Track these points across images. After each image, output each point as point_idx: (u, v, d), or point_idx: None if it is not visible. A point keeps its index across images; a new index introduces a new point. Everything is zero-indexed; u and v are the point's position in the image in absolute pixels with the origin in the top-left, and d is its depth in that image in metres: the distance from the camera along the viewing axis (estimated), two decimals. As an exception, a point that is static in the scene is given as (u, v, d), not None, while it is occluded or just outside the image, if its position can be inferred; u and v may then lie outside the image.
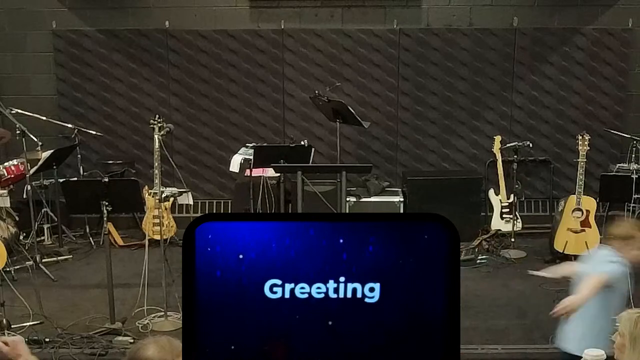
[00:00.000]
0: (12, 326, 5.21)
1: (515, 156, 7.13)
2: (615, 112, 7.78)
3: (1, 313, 5.17)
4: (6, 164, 6.81)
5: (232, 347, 1.18)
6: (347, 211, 6.54)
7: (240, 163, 6.78)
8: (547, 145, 7.84)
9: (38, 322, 5.35)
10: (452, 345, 1.17)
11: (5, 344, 2.64)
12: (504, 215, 7.33)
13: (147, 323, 5.37)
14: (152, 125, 5.42)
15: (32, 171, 6.63)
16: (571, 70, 7.72)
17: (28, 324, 5.30)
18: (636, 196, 6.44)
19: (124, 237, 7.41)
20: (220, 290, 1.16)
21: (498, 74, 7.76)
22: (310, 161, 6.56)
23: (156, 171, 5.44)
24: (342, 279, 1.16)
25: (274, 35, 7.73)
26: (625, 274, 3.88)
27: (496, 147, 7.35)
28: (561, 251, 6.63)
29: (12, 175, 6.80)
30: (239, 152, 6.98)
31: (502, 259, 6.87)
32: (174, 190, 5.92)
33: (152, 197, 6.22)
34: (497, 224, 7.33)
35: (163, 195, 5.56)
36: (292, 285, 1.16)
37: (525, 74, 7.76)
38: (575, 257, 6.61)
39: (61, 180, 6.20)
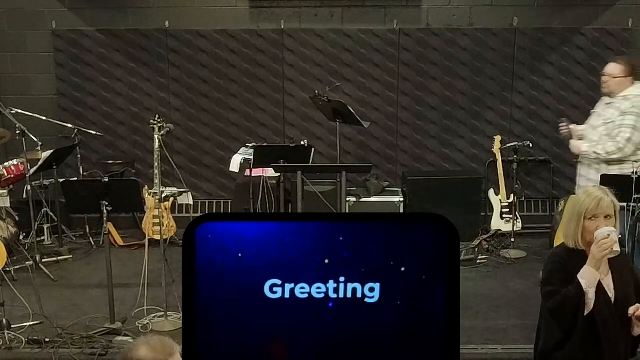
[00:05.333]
0: (12, 326, 5.21)
1: (515, 156, 7.13)
2: (615, 112, 7.77)
3: (1, 313, 5.17)
4: (6, 164, 6.81)
5: (232, 347, 1.19)
6: (347, 211, 6.54)
7: (240, 163, 6.78)
8: (547, 145, 7.84)
9: (38, 322, 5.35)
10: (452, 345, 1.17)
11: None
12: (504, 215, 7.33)
13: (147, 323, 5.37)
14: (152, 125, 5.41)
15: (32, 171, 6.63)
16: (571, 70, 7.72)
17: (28, 324, 5.29)
18: (636, 196, 6.42)
19: (124, 237, 7.40)
20: (220, 290, 1.17)
21: (498, 74, 7.76)
22: (310, 161, 6.56)
23: (156, 171, 5.44)
24: (342, 279, 1.16)
25: (274, 35, 7.73)
26: None
27: (496, 147, 7.35)
28: (561, 251, 6.62)
29: (12, 175, 6.80)
30: (239, 152, 6.98)
31: (502, 259, 6.87)
32: (174, 190, 5.92)
33: (152, 197, 6.23)
34: (497, 224, 7.34)
35: (163, 195, 5.55)
36: (292, 285, 1.16)
37: (525, 74, 7.76)
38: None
39: (61, 180, 6.19)
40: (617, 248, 3.19)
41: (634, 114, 5.53)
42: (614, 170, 5.63)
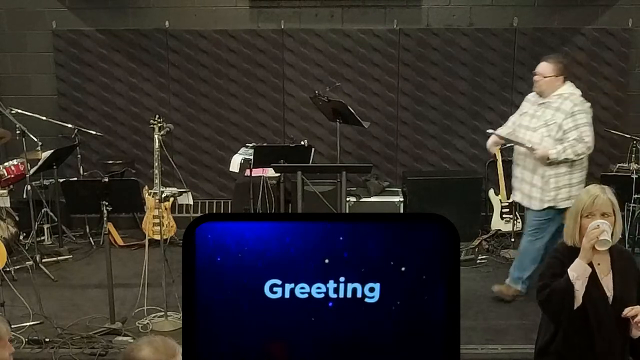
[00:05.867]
0: (12, 326, 5.20)
1: (516, 156, 7.12)
2: (615, 112, 7.78)
3: (1, 313, 5.17)
4: (6, 164, 6.81)
5: (232, 347, 1.19)
6: (347, 211, 6.54)
7: (240, 163, 6.78)
8: (547, 145, 7.83)
9: (38, 322, 5.35)
10: (452, 345, 1.17)
11: None
12: (504, 215, 7.33)
13: (147, 323, 5.37)
14: (152, 125, 5.42)
15: (32, 171, 6.63)
16: (571, 70, 7.71)
17: (28, 324, 5.30)
18: (636, 196, 6.43)
19: (124, 237, 7.40)
20: (220, 290, 1.17)
21: (498, 74, 7.76)
22: (310, 161, 6.56)
23: (156, 171, 5.44)
24: (342, 279, 1.16)
25: (274, 35, 7.73)
26: None
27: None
28: (561, 251, 6.61)
29: (12, 175, 6.80)
30: (239, 152, 6.99)
31: (502, 259, 6.87)
32: (174, 190, 5.92)
33: (152, 197, 6.23)
34: (497, 224, 7.34)
35: (163, 195, 5.56)
36: (292, 285, 1.16)
37: (525, 74, 7.74)
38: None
39: (61, 180, 6.20)
40: (605, 237, 3.19)
41: (582, 112, 5.45)
42: (565, 177, 5.52)
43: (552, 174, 5.49)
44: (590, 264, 3.26)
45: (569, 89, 5.58)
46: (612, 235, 3.26)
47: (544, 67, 5.56)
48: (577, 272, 3.20)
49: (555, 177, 5.50)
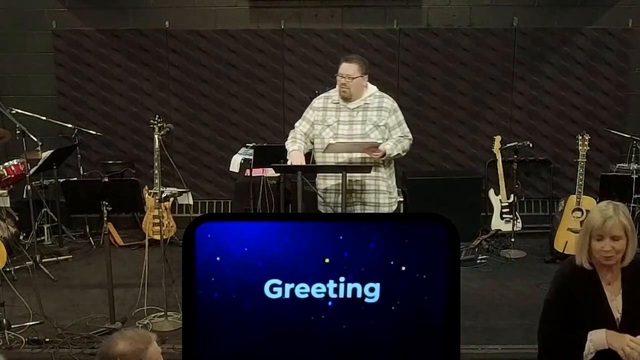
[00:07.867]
0: (12, 326, 5.21)
1: (515, 156, 7.13)
2: (615, 112, 7.78)
3: (1, 313, 5.17)
4: (6, 164, 6.81)
5: (232, 347, 1.19)
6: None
7: (240, 163, 6.78)
8: (547, 145, 7.84)
9: (38, 322, 5.35)
10: (452, 345, 1.17)
11: None
12: (504, 215, 7.33)
13: (147, 323, 5.37)
14: (152, 125, 5.41)
15: (32, 171, 6.63)
16: (571, 70, 7.72)
17: (28, 324, 5.29)
18: (636, 196, 6.43)
19: (124, 237, 7.40)
20: (220, 290, 1.17)
21: (498, 74, 7.75)
22: (311, 161, 6.55)
23: (156, 171, 5.44)
24: (342, 279, 1.17)
25: (274, 35, 7.73)
26: None
27: (496, 147, 7.35)
28: (561, 251, 6.62)
29: (12, 175, 6.80)
30: (239, 152, 6.98)
31: (502, 259, 6.87)
32: (174, 190, 5.91)
33: (152, 197, 6.22)
34: (497, 224, 7.33)
35: (163, 195, 5.55)
36: (292, 285, 1.16)
37: (525, 74, 7.76)
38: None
39: (61, 180, 6.20)
40: None
41: (399, 109, 5.29)
42: (392, 178, 5.33)
43: (387, 177, 5.29)
44: (600, 284, 3.18)
45: (374, 87, 5.38)
46: (624, 257, 3.15)
47: (351, 68, 5.23)
48: (595, 347, 3.09)
49: (391, 180, 5.34)
